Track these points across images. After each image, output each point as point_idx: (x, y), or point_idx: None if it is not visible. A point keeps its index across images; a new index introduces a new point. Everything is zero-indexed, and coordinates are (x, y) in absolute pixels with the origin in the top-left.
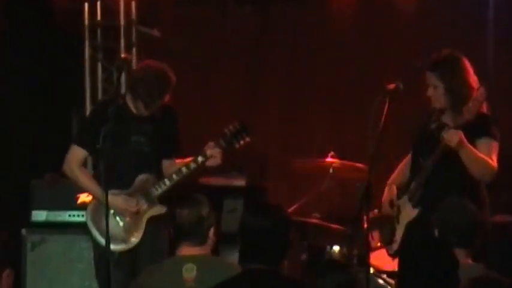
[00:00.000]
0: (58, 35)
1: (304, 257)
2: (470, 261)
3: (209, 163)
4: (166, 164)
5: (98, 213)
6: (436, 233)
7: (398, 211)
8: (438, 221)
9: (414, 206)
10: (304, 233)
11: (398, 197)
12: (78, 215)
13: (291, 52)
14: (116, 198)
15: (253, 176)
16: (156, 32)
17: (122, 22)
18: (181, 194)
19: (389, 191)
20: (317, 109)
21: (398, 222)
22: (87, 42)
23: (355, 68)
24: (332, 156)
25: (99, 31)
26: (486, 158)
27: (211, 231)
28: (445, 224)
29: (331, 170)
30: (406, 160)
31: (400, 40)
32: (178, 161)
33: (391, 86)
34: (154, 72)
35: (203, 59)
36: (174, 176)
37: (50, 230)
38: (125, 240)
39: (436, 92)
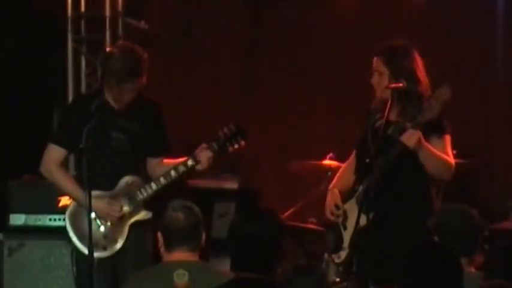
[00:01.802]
0: (39, 26)
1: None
2: (473, 269)
3: (199, 167)
4: (154, 163)
5: (78, 217)
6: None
7: (345, 216)
8: (439, 228)
9: (365, 211)
10: (301, 240)
11: (344, 201)
12: (59, 219)
13: (288, 51)
14: (99, 202)
15: (246, 178)
16: (143, 24)
17: (108, 13)
18: (168, 197)
19: (332, 196)
20: (315, 109)
21: (345, 228)
22: (70, 35)
23: (355, 67)
24: (330, 158)
25: (83, 23)
26: (444, 156)
27: (203, 236)
28: (448, 231)
29: (329, 173)
30: (348, 164)
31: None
32: (167, 160)
33: (394, 84)
34: (120, 49)
35: (195, 54)
36: (162, 180)
37: (29, 235)
38: (105, 247)
39: (381, 80)
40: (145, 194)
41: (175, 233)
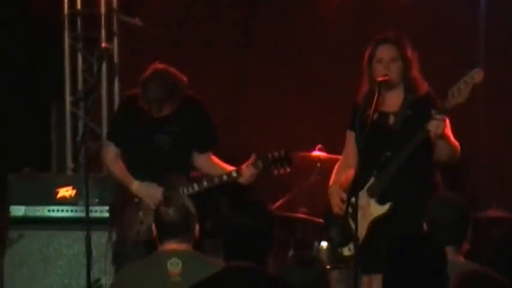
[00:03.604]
0: (37, 24)
1: (291, 253)
2: (462, 258)
3: (241, 180)
4: (201, 159)
5: (125, 206)
6: (425, 228)
7: (353, 209)
8: (428, 217)
9: (380, 201)
10: (291, 229)
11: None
12: (58, 210)
13: (280, 43)
14: (144, 188)
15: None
16: (138, 21)
17: (103, 11)
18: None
19: (336, 192)
20: (305, 101)
21: (353, 220)
22: (66, 32)
23: (345, 60)
24: (319, 149)
25: (79, 20)
26: (455, 141)
27: (196, 229)
28: (436, 220)
29: (318, 164)
30: (343, 159)
31: None
32: (214, 158)
33: (382, 77)
34: (154, 77)
35: (188, 49)
36: (205, 183)
37: (29, 226)
38: (138, 231)
39: (395, 66)
40: (187, 192)
41: (165, 228)
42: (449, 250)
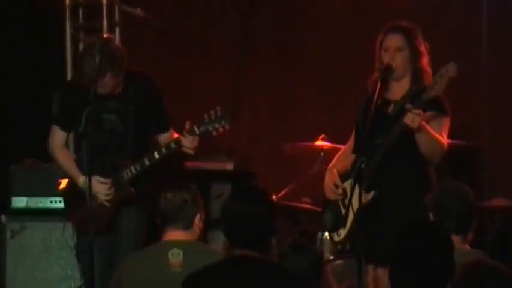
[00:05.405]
0: (38, 14)
1: None
2: (468, 247)
3: (185, 149)
4: (164, 139)
5: (74, 196)
6: (432, 217)
7: (345, 195)
8: (434, 206)
9: (367, 189)
10: (295, 218)
11: (343, 180)
12: (60, 201)
13: (282, 33)
14: (102, 186)
15: (241, 160)
16: (139, 12)
17: (104, 1)
18: (167, 178)
19: (331, 175)
20: (308, 91)
21: (344, 206)
22: (68, 22)
23: (348, 50)
24: (323, 139)
25: (80, 10)
26: (439, 138)
27: (198, 218)
28: (442, 209)
29: (321, 154)
30: (348, 145)
31: None
32: (176, 134)
33: (383, 65)
34: (87, 48)
35: (190, 39)
36: (146, 161)
37: (31, 217)
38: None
39: (400, 56)
40: (130, 175)
41: (165, 213)
42: (457, 239)
